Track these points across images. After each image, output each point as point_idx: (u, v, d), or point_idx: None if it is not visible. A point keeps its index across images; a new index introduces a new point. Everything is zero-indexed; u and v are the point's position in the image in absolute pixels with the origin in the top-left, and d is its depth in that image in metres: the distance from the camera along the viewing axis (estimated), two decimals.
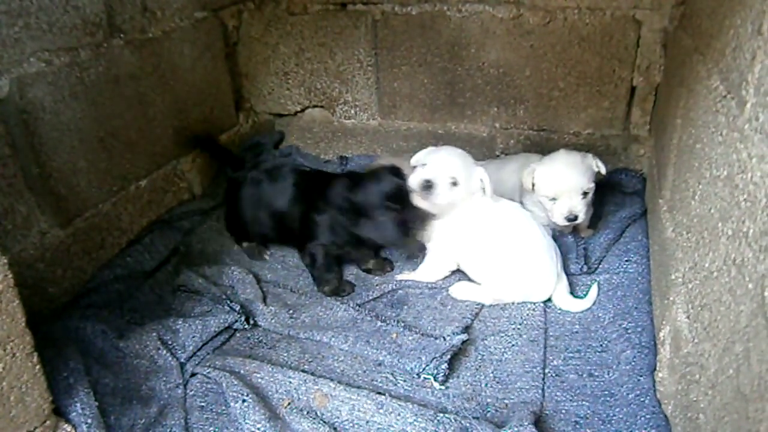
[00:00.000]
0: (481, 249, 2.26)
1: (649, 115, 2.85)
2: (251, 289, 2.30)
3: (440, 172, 2.22)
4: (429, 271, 2.39)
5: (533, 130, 2.99)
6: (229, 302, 2.17)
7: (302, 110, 3.37)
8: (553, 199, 2.37)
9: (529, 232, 2.24)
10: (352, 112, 3.28)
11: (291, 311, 2.20)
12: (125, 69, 2.36)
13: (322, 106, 3.33)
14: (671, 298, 1.80)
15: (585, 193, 2.35)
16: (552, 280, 2.20)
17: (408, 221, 2.24)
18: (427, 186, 2.21)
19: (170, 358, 1.92)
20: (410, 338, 2.00)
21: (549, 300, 2.24)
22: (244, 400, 1.72)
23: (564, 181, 2.33)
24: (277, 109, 3.38)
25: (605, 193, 2.81)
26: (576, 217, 2.36)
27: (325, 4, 3.04)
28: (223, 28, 3.04)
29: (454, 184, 2.23)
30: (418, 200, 2.24)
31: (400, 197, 2.21)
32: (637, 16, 2.67)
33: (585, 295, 2.24)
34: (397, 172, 2.27)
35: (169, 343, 1.97)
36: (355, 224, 2.23)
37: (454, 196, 2.24)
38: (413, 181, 2.24)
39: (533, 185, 2.41)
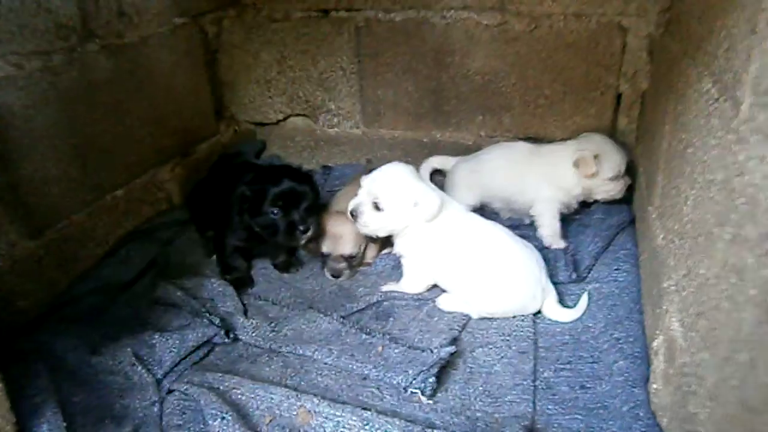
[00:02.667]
0: (457, 267, 2.19)
1: (636, 123, 2.83)
2: (231, 302, 2.23)
3: (363, 198, 2.20)
4: (411, 283, 2.32)
5: (519, 138, 2.95)
6: (208, 315, 2.10)
7: (284, 119, 3.32)
8: (616, 177, 2.53)
9: (505, 246, 2.17)
10: (336, 120, 3.23)
11: (273, 324, 2.13)
12: (101, 75, 2.29)
13: (304, 115, 3.28)
14: (664, 307, 1.75)
15: None
16: (539, 293, 2.14)
17: (296, 224, 2.25)
18: (352, 214, 2.22)
19: (146, 375, 1.84)
20: (396, 351, 1.94)
21: (538, 311, 2.18)
22: (223, 418, 1.64)
23: (624, 158, 2.54)
24: (259, 118, 3.32)
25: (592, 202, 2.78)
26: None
27: (307, 10, 3.00)
28: (203, 35, 2.98)
29: (378, 209, 2.18)
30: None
31: (290, 198, 2.25)
32: (623, 23, 2.65)
33: (575, 305, 2.19)
34: (300, 174, 2.34)
35: (145, 358, 1.89)
36: (251, 217, 2.28)
37: (383, 221, 2.19)
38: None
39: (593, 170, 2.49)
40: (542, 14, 2.70)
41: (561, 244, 2.54)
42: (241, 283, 2.39)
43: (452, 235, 2.19)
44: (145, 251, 2.46)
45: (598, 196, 2.62)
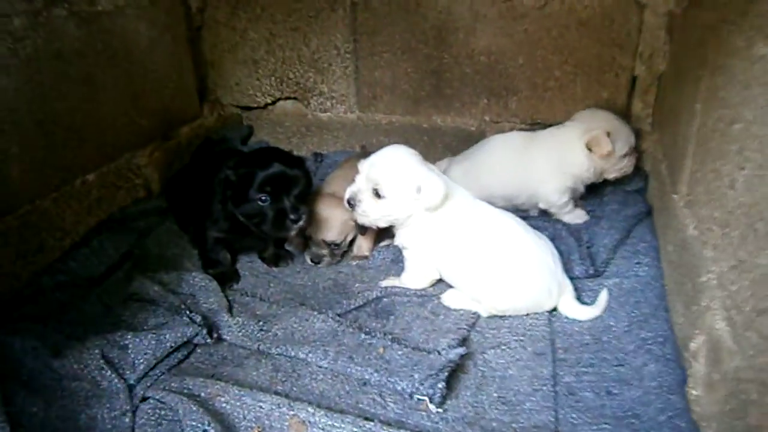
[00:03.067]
0: (464, 260, 2.03)
1: (651, 108, 2.66)
2: (215, 298, 2.06)
3: (362, 184, 2.02)
4: (413, 277, 2.16)
5: (526, 124, 2.79)
6: (188, 313, 1.94)
7: (273, 102, 3.14)
8: (628, 153, 2.47)
9: (517, 236, 2.02)
10: (328, 104, 3.07)
11: (261, 323, 1.97)
12: (69, 44, 2.10)
13: (295, 98, 3.11)
14: (703, 304, 1.58)
15: None
16: (555, 288, 1.98)
17: (285, 211, 2.07)
18: (350, 202, 2.04)
19: (116, 380, 1.65)
20: (400, 353, 1.80)
21: (554, 308, 1.99)
22: (205, 430, 1.50)
23: (631, 131, 2.48)
24: (246, 101, 3.13)
25: (605, 192, 2.64)
26: None
27: None
28: (186, 10, 2.79)
29: (379, 195, 1.99)
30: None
31: (280, 182, 2.06)
32: None
33: (593, 302, 2.03)
34: (291, 157, 2.15)
35: (116, 361, 1.71)
36: (235, 205, 2.11)
37: (384, 210, 2.01)
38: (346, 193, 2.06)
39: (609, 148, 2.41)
40: None
41: (585, 217, 2.53)
42: (226, 278, 2.21)
43: (459, 225, 2.03)
44: (119, 242, 2.29)
45: (611, 175, 2.53)
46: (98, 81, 2.23)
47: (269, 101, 3.11)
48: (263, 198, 2.05)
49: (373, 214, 2.02)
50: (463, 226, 2.03)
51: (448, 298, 2.06)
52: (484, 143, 2.62)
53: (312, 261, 2.32)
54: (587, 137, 2.38)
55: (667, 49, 2.52)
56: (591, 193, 2.61)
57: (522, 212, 2.54)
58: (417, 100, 2.90)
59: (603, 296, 2.01)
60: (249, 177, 2.04)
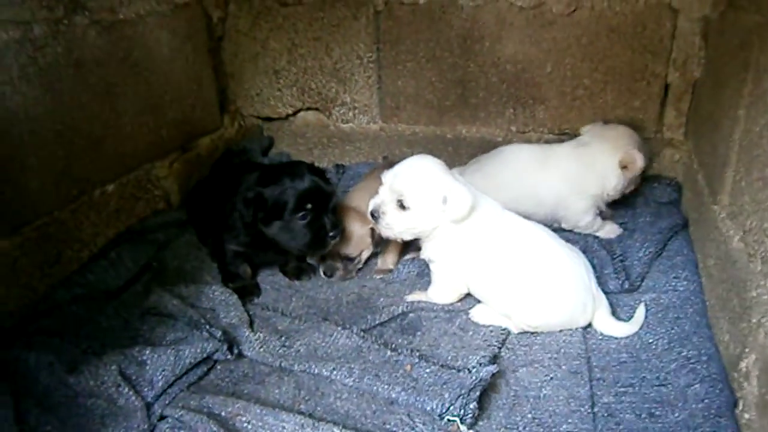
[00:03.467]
0: (494, 274, 1.95)
1: (685, 117, 2.57)
2: (235, 312, 2.00)
3: (386, 196, 1.94)
4: (440, 292, 2.08)
5: (554, 134, 2.71)
6: (208, 327, 1.88)
7: (294, 113, 3.09)
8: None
9: (549, 249, 1.93)
10: (351, 114, 3.01)
11: (283, 338, 1.91)
12: (90, 53, 2.07)
13: (316, 109, 3.05)
14: (754, 320, 1.49)
15: None
16: (589, 303, 1.89)
17: (325, 228, 2.03)
18: (373, 215, 1.97)
19: (134, 398, 1.60)
20: (428, 371, 1.74)
21: (588, 324, 1.90)
22: None
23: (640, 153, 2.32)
24: (267, 112, 3.08)
25: (637, 204, 2.56)
26: None
27: None
28: (207, 20, 2.75)
29: (403, 207, 1.91)
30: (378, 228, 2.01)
31: (317, 198, 2.02)
32: (673, 4, 2.42)
33: (629, 318, 1.94)
34: (317, 170, 2.10)
35: (133, 378, 1.66)
36: (265, 224, 2.04)
37: (408, 222, 1.93)
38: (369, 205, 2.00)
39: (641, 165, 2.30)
40: None
41: (617, 231, 2.42)
42: (246, 292, 2.16)
43: (488, 237, 1.95)
44: (137, 254, 2.24)
45: (617, 196, 2.41)
46: (118, 90, 2.20)
47: (290, 112, 3.06)
48: (302, 215, 2.01)
49: (397, 226, 1.95)
50: (491, 238, 1.95)
51: (477, 314, 1.99)
52: (497, 154, 2.49)
53: (325, 273, 2.26)
54: (621, 155, 2.27)
55: (702, 55, 2.43)
56: (621, 205, 2.52)
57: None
58: (441, 110, 2.84)
59: (640, 312, 1.91)
60: (284, 195, 1.99)
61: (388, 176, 1.96)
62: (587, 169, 2.32)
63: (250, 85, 3.03)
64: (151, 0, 2.33)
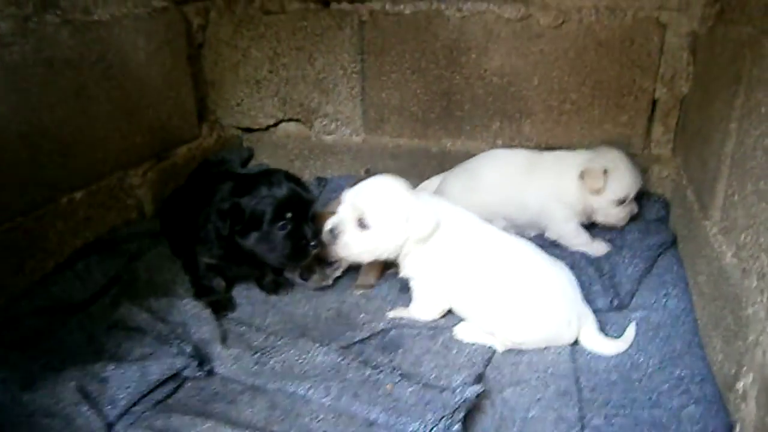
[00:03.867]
0: (476, 289, 1.90)
1: (673, 132, 2.54)
2: (207, 327, 1.90)
3: (346, 214, 1.90)
4: (422, 308, 2.02)
5: (540, 149, 2.64)
6: (178, 343, 1.80)
7: (275, 124, 3.03)
8: (623, 201, 2.32)
9: (532, 262, 1.89)
10: (333, 126, 2.95)
11: (257, 355, 1.83)
12: (61, 53, 2.00)
13: (298, 120, 2.99)
14: (751, 338, 1.43)
15: None
16: (574, 319, 1.84)
17: (306, 237, 1.97)
18: (331, 234, 1.91)
19: (93, 417, 1.50)
20: (410, 390, 1.66)
21: (575, 341, 1.84)
22: None
23: (634, 181, 2.31)
24: (247, 123, 3.01)
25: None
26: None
27: (305, 1, 2.74)
28: (187, 26, 2.68)
29: (364, 226, 1.86)
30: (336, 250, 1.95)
31: (297, 206, 1.96)
32: (661, 19, 2.40)
33: (619, 336, 1.88)
34: (293, 177, 2.03)
35: (94, 395, 1.56)
36: (242, 235, 1.96)
37: (368, 242, 1.88)
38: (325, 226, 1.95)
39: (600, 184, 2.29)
40: (571, 7, 2.45)
41: (606, 248, 2.35)
42: (221, 307, 2.06)
43: (465, 251, 1.92)
44: (106, 266, 2.15)
45: (599, 218, 2.39)
46: (90, 93, 2.11)
47: (271, 123, 3.00)
48: (282, 225, 1.93)
49: (356, 246, 1.90)
50: (469, 252, 1.91)
51: (461, 331, 1.92)
52: (485, 156, 2.51)
53: (301, 276, 2.18)
54: (585, 166, 2.28)
55: (690, 70, 2.42)
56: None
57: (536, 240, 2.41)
58: (426, 123, 2.79)
59: (631, 330, 1.86)
60: (261, 204, 1.91)
61: (349, 194, 1.92)
62: (559, 175, 2.34)
63: (230, 94, 2.96)
64: (128, 2, 2.25)
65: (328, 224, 1.92)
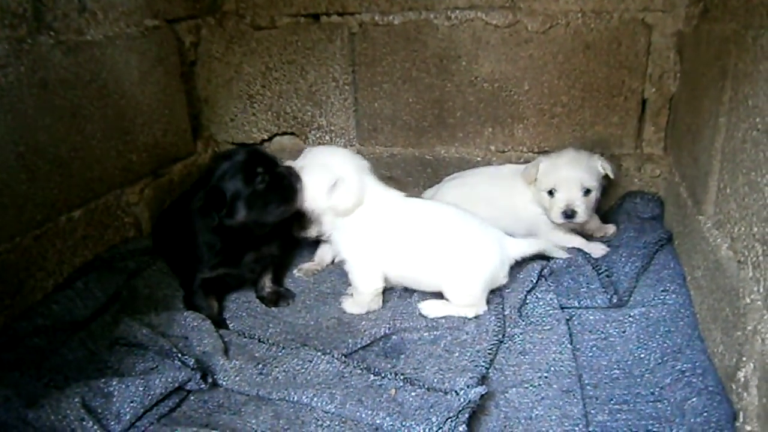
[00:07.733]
0: (410, 255, 2.05)
1: (663, 131, 2.56)
2: (209, 339, 1.89)
3: (297, 166, 2.12)
4: (361, 282, 2.11)
5: (533, 153, 2.67)
6: (180, 356, 1.77)
7: (270, 138, 3.02)
8: (551, 192, 2.28)
9: (458, 218, 2.07)
10: (327, 138, 2.95)
11: (260, 366, 1.82)
12: (55, 73, 1.99)
13: (292, 133, 2.98)
14: (749, 328, 1.44)
15: (587, 191, 2.26)
16: (506, 259, 2.05)
17: (286, 177, 2.03)
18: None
19: None
20: (413, 394, 1.66)
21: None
22: None
23: (564, 172, 2.26)
24: (241, 138, 3.00)
25: (620, 220, 2.53)
26: (574, 214, 2.24)
27: (295, 16, 2.72)
28: (179, 44, 2.69)
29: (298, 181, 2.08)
30: None
31: (263, 161, 2.00)
32: (647, 20, 2.41)
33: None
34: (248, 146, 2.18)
35: (98, 410, 1.54)
36: (230, 215, 1.96)
37: (303, 197, 2.07)
38: None
39: (536, 179, 2.34)
40: (558, 12, 2.46)
41: (603, 249, 2.36)
42: (215, 324, 2.03)
43: (395, 221, 2.07)
44: (106, 283, 2.13)
45: (551, 216, 2.32)
46: (86, 113, 2.11)
47: (266, 137, 3.00)
48: (259, 180, 1.95)
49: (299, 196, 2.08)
50: (399, 220, 2.06)
51: (427, 308, 2.03)
52: (481, 169, 2.61)
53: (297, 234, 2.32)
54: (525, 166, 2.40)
55: (677, 69, 2.43)
56: (604, 221, 2.51)
57: None
58: (419, 131, 2.79)
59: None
60: (232, 172, 1.94)
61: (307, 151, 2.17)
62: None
63: (224, 110, 2.96)
64: (120, 22, 2.26)
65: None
